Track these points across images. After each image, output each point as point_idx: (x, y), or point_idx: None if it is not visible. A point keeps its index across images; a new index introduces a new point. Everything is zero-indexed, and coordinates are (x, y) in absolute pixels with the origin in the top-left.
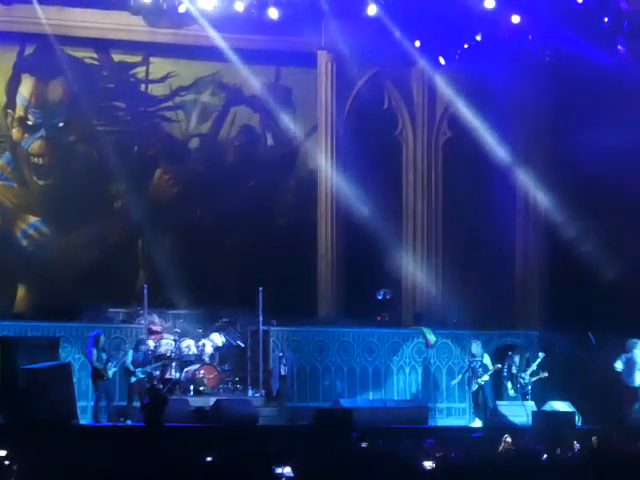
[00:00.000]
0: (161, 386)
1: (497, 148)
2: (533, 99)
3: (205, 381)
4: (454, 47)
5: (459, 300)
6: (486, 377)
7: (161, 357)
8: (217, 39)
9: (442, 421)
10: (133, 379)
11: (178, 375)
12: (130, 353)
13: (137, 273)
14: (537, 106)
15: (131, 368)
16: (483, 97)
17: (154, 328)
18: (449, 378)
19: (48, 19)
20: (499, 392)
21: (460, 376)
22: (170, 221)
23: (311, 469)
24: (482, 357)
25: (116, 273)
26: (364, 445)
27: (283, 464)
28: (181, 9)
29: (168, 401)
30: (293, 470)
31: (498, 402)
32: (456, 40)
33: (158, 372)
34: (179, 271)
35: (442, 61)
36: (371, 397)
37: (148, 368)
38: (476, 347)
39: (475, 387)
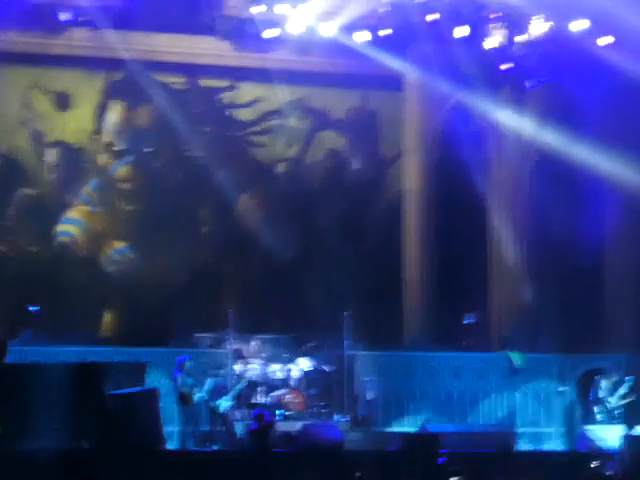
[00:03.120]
0: (266, 412)
1: (586, 168)
2: (623, 120)
3: (291, 406)
4: (542, 69)
5: (546, 324)
6: None
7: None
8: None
9: (529, 446)
10: (222, 409)
11: (264, 400)
12: (210, 381)
13: (223, 298)
14: (628, 127)
15: (213, 399)
16: (572, 119)
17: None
18: (536, 403)
19: (135, 44)
20: (587, 416)
21: None
22: (256, 246)
23: None
24: None
25: (202, 298)
26: (451, 470)
27: None
28: (267, 34)
29: (274, 427)
30: None
31: (586, 426)
32: (543, 62)
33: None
34: (265, 296)
35: (528, 84)
36: (457, 422)
37: (231, 394)
38: None
39: None
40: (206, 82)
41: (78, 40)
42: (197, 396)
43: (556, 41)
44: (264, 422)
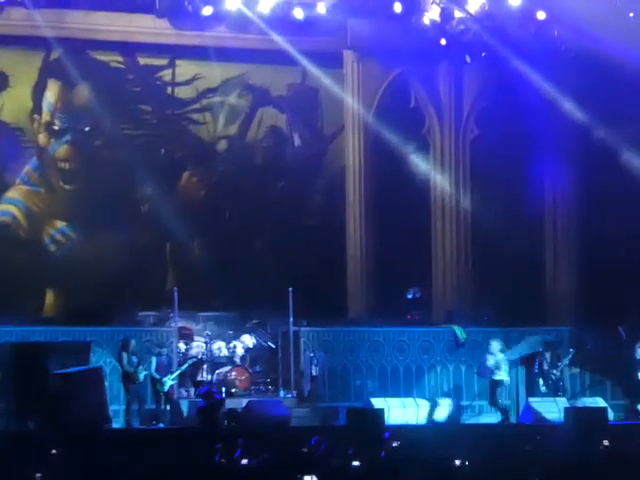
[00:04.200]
0: (215, 389)
1: (525, 144)
2: (559, 93)
3: (237, 383)
4: (480, 44)
5: (490, 298)
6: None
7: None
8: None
9: (474, 419)
10: (166, 387)
11: (209, 377)
12: (154, 360)
13: (166, 276)
14: (562, 100)
15: (156, 376)
16: (509, 93)
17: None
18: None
19: (73, 23)
20: (531, 388)
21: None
22: (198, 224)
23: (341, 469)
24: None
25: (145, 276)
26: (395, 444)
27: (315, 464)
28: (205, 12)
29: (223, 404)
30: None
31: (530, 398)
32: (482, 37)
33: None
34: (208, 273)
35: (468, 59)
36: (402, 396)
37: (176, 371)
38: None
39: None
40: (145, 60)
41: (15, 19)
42: (142, 374)
43: (494, 16)
44: (214, 399)
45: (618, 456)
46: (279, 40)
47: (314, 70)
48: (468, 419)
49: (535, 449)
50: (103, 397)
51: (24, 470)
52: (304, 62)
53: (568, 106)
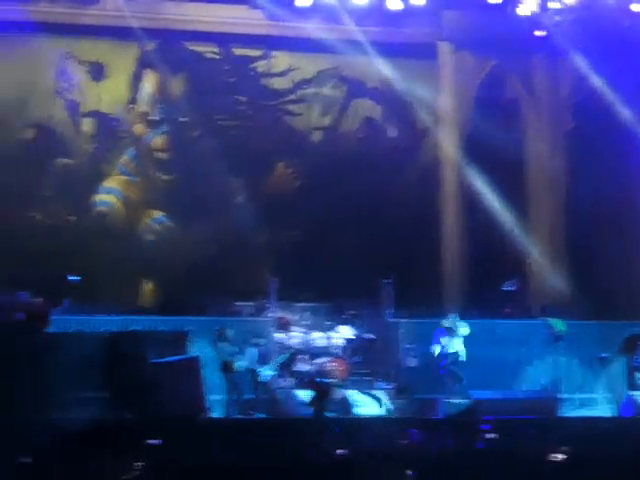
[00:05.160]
0: (325, 380)
1: (621, 136)
2: None
3: (335, 373)
4: (576, 36)
5: (587, 290)
6: None
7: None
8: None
9: (573, 412)
10: (267, 377)
11: (307, 368)
12: (252, 350)
13: (262, 267)
14: None
15: (254, 366)
16: (604, 85)
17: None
18: (579, 369)
19: (167, 14)
20: (631, 382)
21: None
22: (293, 214)
23: (439, 460)
24: None
25: (240, 267)
26: (492, 436)
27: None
28: (299, 2)
29: (332, 393)
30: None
31: (631, 392)
32: (578, 29)
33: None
34: (304, 264)
35: (564, 51)
36: (500, 389)
37: (275, 362)
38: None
39: None
40: (240, 51)
41: (111, 10)
42: (239, 364)
43: (590, 7)
44: (324, 387)
45: None
46: (374, 31)
47: (408, 62)
48: (568, 412)
49: (635, 443)
50: (200, 387)
51: (122, 459)
52: (399, 54)
53: None
